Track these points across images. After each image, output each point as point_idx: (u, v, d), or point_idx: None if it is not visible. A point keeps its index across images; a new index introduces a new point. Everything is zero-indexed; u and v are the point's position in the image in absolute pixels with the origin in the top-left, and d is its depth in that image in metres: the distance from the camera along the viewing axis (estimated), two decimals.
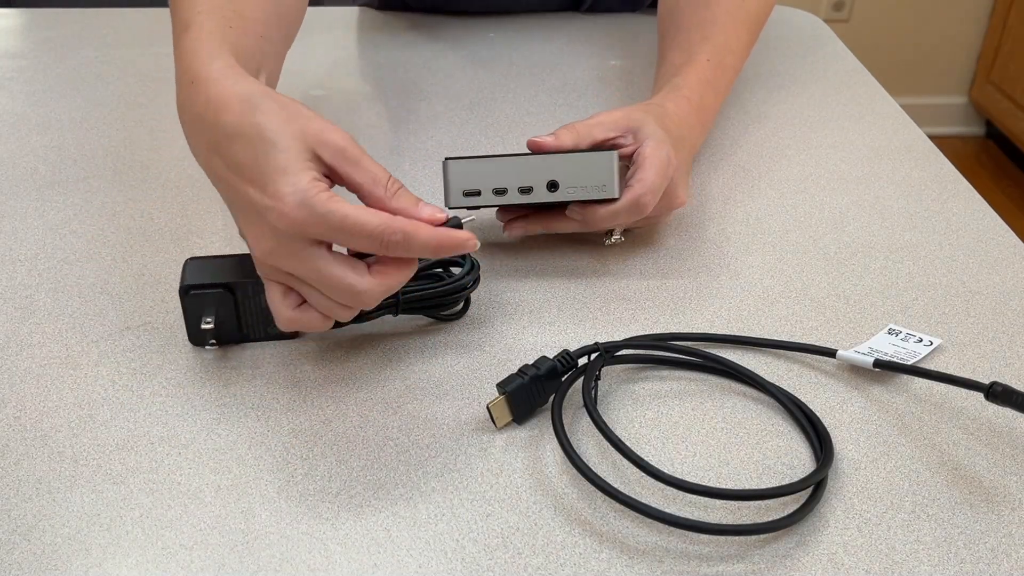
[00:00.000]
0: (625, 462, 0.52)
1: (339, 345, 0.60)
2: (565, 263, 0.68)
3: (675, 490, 0.50)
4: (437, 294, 0.60)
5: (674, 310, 0.64)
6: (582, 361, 0.57)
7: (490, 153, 0.69)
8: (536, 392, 0.55)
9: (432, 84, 0.92)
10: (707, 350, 0.60)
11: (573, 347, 0.60)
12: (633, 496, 0.48)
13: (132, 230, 0.70)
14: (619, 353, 0.58)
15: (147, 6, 1.07)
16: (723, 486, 0.52)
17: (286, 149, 0.50)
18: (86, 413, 0.55)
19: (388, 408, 0.56)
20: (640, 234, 0.71)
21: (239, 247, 0.68)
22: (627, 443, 0.51)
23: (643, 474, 0.50)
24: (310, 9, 0.82)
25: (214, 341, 0.59)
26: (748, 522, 0.49)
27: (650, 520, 0.49)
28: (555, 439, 0.53)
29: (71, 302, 0.63)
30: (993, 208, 0.76)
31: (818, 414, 0.56)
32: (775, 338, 0.61)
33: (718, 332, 0.62)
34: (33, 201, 0.73)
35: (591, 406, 0.53)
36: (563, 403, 0.55)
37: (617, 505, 0.50)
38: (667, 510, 0.48)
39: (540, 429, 0.55)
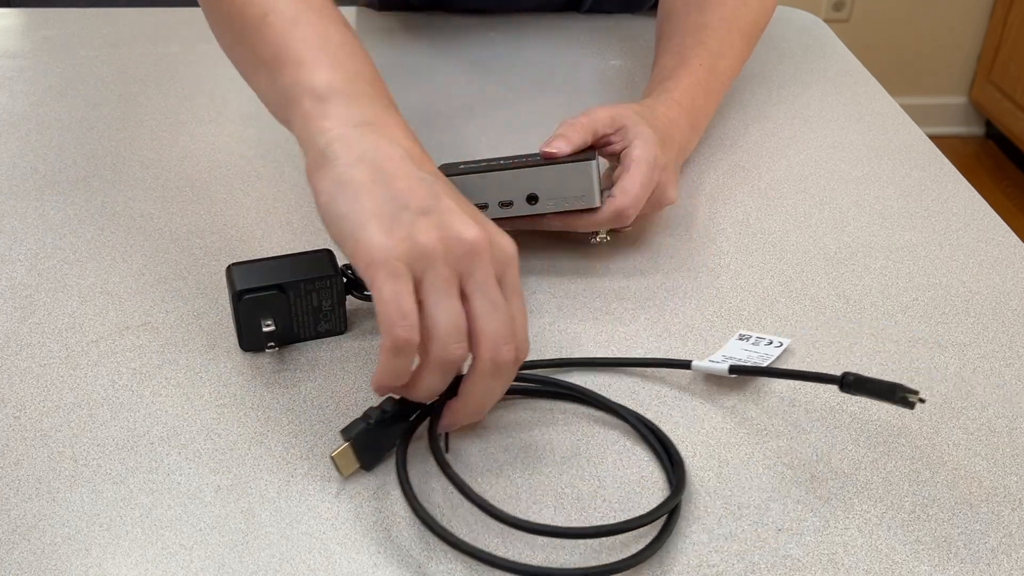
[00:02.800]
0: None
1: (339, 345, 0.60)
2: (565, 263, 0.68)
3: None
4: None
5: (673, 310, 0.64)
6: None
7: (470, 161, 0.69)
8: (383, 435, 0.51)
9: (431, 84, 0.92)
10: (560, 377, 0.57)
11: (576, 349, 0.61)
12: (481, 547, 0.46)
13: (132, 230, 0.70)
14: None
15: (147, 6, 1.07)
16: (579, 523, 0.49)
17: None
18: (86, 413, 0.55)
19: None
20: (636, 233, 0.71)
21: (240, 246, 0.68)
22: (479, 482, 0.50)
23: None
24: None
25: (273, 344, 0.59)
26: (601, 562, 0.47)
27: (501, 571, 0.46)
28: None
29: (71, 302, 0.63)
30: (993, 208, 0.76)
31: (676, 430, 0.55)
32: (628, 356, 0.60)
33: (575, 356, 0.60)
34: (33, 201, 0.73)
35: (437, 450, 0.50)
36: (409, 445, 0.52)
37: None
38: (519, 556, 0.47)
39: (391, 474, 0.52)
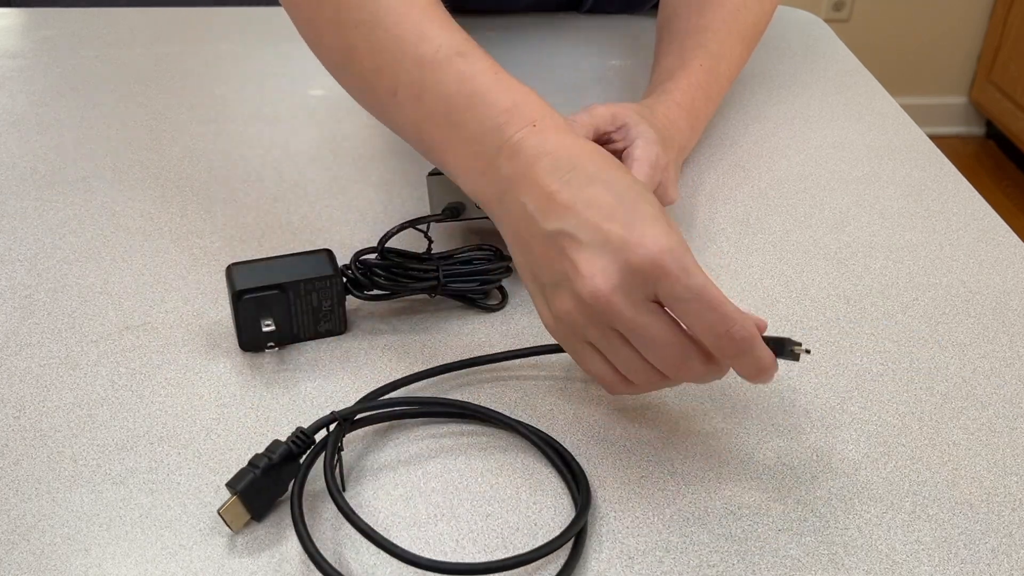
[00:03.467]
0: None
1: (339, 346, 0.60)
2: None
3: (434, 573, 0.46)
4: (474, 276, 0.62)
5: None
6: (320, 435, 0.51)
7: None
8: (273, 482, 0.49)
9: None
10: (443, 395, 0.56)
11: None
12: None
13: (132, 230, 0.70)
14: (359, 418, 0.53)
15: (147, 6, 1.07)
16: (485, 551, 0.48)
17: (654, 204, 0.49)
18: (86, 413, 0.55)
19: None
20: None
21: (240, 246, 0.68)
22: (381, 520, 0.48)
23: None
24: None
25: (272, 344, 0.59)
26: None
27: None
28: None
29: (71, 302, 0.63)
30: (993, 208, 0.76)
31: (574, 433, 0.54)
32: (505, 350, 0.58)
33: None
34: (33, 201, 0.73)
35: (334, 490, 0.47)
36: (304, 488, 0.49)
37: None
38: None
39: (285, 522, 0.49)
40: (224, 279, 0.63)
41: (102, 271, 0.66)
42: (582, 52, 0.99)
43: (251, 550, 0.48)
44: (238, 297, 0.57)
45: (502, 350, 0.59)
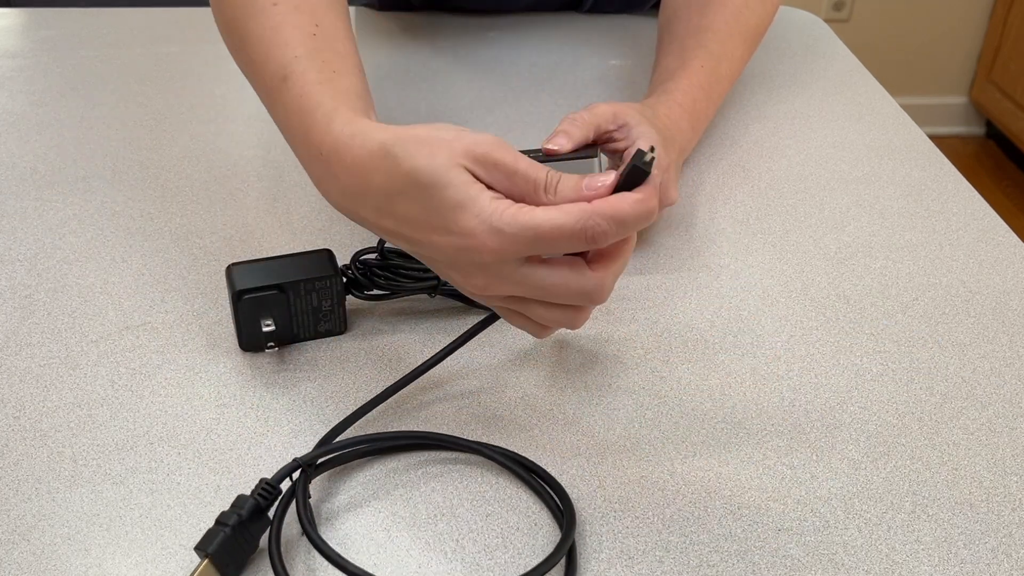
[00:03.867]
0: None
1: (339, 346, 0.60)
2: None
3: None
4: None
5: (673, 310, 0.64)
6: (285, 485, 0.49)
7: None
8: (245, 538, 0.47)
9: (431, 84, 0.92)
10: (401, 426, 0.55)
11: (575, 348, 0.61)
12: None
13: (132, 230, 0.70)
14: (321, 462, 0.51)
15: (147, 6, 1.07)
16: None
17: (448, 184, 0.47)
18: (86, 413, 0.55)
19: (389, 408, 0.56)
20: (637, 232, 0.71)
21: (240, 246, 0.68)
22: (364, 560, 0.47)
23: None
24: None
25: (272, 344, 0.59)
26: None
27: None
28: None
29: (71, 302, 0.63)
30: (993, 208, 0.76)
31: (541, 438, 0.53)
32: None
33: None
34: (33, 201, 0.73)
35: (314, 536, 0.46)
36: (279, 541, 0.47)
37: None
38: None
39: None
40: (224, 279, 0.63)
41: (102, 271, 0.66)
42: (582, 52, 0.99)
43: None
44: (238, 297, 0.57)
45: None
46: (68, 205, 0.73)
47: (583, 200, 0.47)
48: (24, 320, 0.62)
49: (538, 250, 0.47)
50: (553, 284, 0.48)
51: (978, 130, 2.77)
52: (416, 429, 0.55)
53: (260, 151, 0.80)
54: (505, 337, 0.61)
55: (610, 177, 0.47)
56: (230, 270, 0.58)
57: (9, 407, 0.55)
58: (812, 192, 0.77)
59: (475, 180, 0.47)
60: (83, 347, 0.60)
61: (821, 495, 0.51)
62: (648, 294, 0.65)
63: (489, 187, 0.48)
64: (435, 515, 0.50)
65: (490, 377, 0.58)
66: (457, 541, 0.49)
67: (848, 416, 0.56)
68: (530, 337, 0.61)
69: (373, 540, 0.49)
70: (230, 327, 0.61)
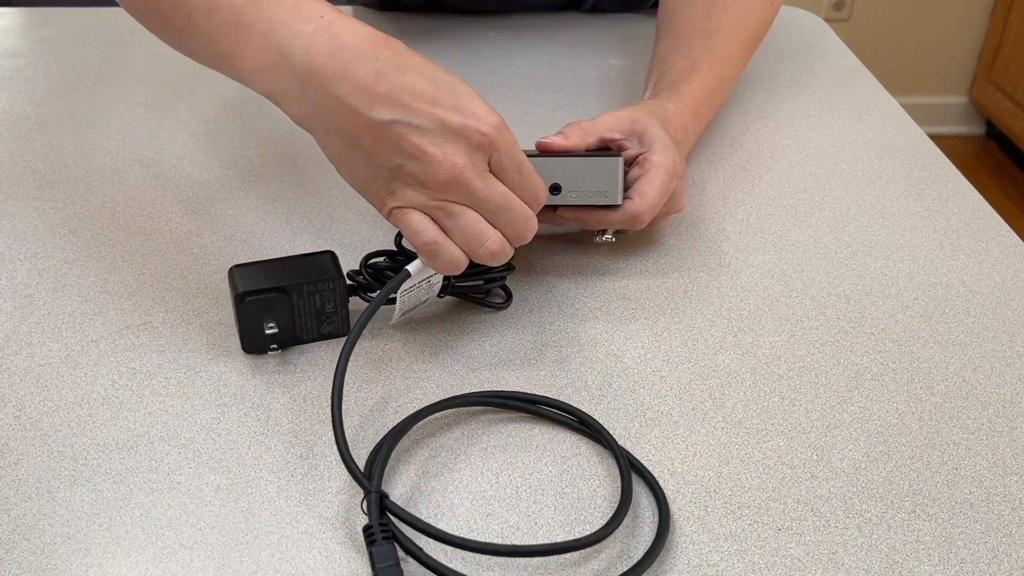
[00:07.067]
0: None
1: (338, 346, 0.60)
2: (564, 262, 0.68)
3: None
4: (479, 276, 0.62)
5: (673, 310, 0.64)
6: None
7: None
8: None
9: None
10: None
11: (575, 349, 0.61)
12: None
13: (132, 230, 0.70)
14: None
15: None
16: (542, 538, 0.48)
17: (463, 82, 0.53)
18: (86, 413, 0.55)
19: (386, 408, 0.56)
20: (638, 233, 0.71)
21: (241, 246, 0.68)
22: (456, 525, 0.49)
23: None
24: None
25: (275, 346, 0.59)
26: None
27: None
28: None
29: (71, 302, 0.63)
30: (993, 208, 0.76)
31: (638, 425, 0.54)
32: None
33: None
34: (33, 201, 0.73)
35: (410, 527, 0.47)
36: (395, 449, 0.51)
37: None
38: None
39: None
40: (226, 280, 0.63)
41: (102, 271, 0.66)
42: (582, 52, 0.99)
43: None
44: (241, 299, 0.57)
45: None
46: (68, 205, 0.73)
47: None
48: (24, 320, 0.62)
49: (509, 169, 0.53)
50: (510, 194, 0.54)
51: (978, 130, 2.77)
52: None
53: (260, 150, 0.80)
54: (506, 337, 0.61)
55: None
56: (233, 272, 0.58)
57: (9, 407, 0.55)
58: (812, 192, 0.77)
59: None
60: (83, 347, 0.60)
61: (821, 495, 0.51)
62: (648, 294, 0.65)
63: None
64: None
65: (479, 380, 0.58)
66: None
67: (848, 416, 0.56)
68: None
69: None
70: (231, 327, 0.61)
